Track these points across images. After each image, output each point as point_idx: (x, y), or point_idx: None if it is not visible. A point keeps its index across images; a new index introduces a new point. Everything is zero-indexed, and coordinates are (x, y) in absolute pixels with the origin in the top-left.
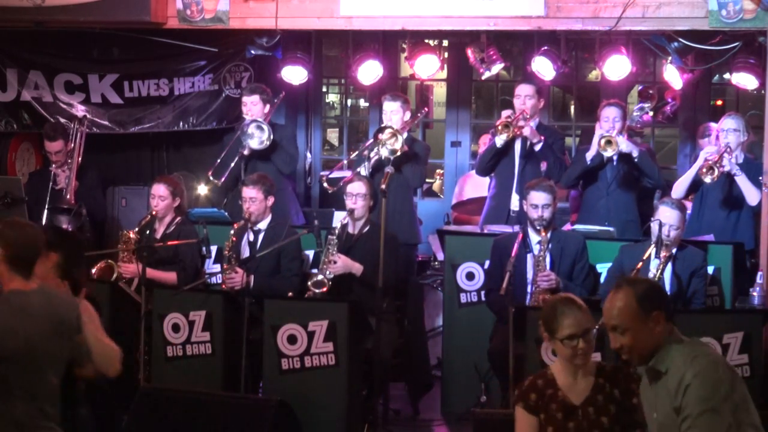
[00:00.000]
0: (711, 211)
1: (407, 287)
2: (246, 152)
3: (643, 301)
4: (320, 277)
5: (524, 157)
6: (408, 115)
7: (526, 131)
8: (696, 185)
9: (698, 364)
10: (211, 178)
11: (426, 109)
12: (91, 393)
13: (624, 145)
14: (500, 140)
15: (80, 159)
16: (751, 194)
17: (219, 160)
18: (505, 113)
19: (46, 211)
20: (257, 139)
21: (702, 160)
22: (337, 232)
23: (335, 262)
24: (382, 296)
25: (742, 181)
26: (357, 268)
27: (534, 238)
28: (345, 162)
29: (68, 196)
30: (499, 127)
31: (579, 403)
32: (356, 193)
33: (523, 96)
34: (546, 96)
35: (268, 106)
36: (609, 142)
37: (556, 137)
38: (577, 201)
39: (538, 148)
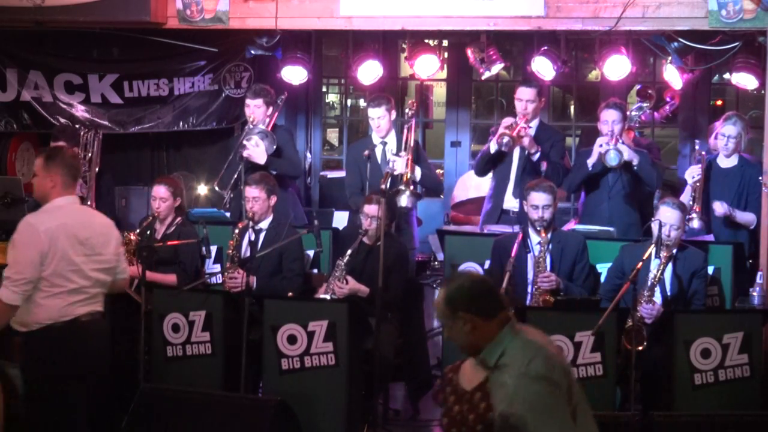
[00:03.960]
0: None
1: (410, 287)
2: (245, 154)
3: (449, 301)
4: (326, 296)
5: (523, 159)
6: (394, 114)
7: (525, 141)
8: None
9: (533, 369)
10: (217, 188)
11: (412, 102)
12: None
13: (625, 153)
14: (494, 147)
15: (98, 168)
16: (748, 221)
17: (224, 169)
18: (505, 123)
19: None
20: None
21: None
22: (350, 251)
23: (342, 287)
24: (387, 308)
25: (738, 216)
26: (363, 290)
27: (534, 238)
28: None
29: (88, 203)
30: (504, 138)
31: (470, 389)
32: (372, 215)
33: (525, 101)
34: (546, 96)
35: (270, 109)
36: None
37: (557, 138)
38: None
39: (535, 158)
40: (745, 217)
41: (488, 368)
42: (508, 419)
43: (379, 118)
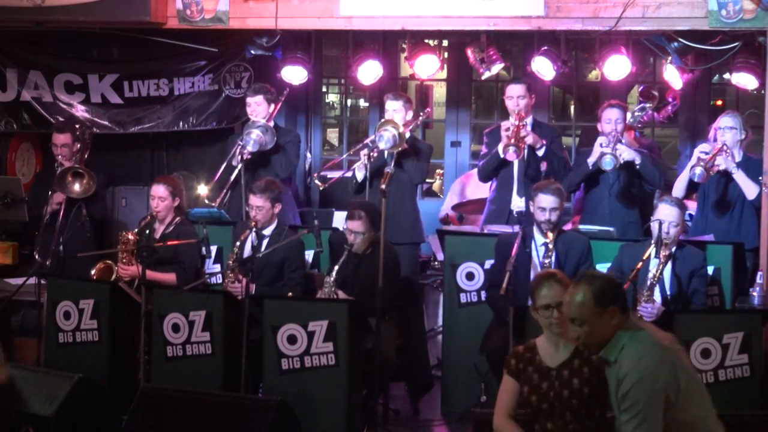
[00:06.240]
0: (714, 210)
1: (410, 287)
2: (247, 155)
3: (600, 297)
4: None
5: (525, 160)
6: (410, 114)
7: (530, 140)
8: (695, 183)
9: (642, 367)
10: (206, 200)
11: (429, 109)
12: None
13: (626, 153)
14: (501, 152)
15: (86, 156)
16: (749, 189)
17: (214, 180)
18: (504, 126)
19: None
20: (258, 143)
21: (695, 159)
22: (337, 267)
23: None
24: (382, 314)
25: (740, 177)
26: None
27: (539, 239)
28: (344, 157)
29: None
30: (510, 150)
31: (555, 366)
32: (356, 231)
33: (516, 97)
34: (545, 95)
35: (272, 106)
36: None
37: (554, 134)
38: (581, 203)
39: (541, 153)
40: (746, 180)
41: (608, 363)
42: (628, 409)
43: (394, 111)
